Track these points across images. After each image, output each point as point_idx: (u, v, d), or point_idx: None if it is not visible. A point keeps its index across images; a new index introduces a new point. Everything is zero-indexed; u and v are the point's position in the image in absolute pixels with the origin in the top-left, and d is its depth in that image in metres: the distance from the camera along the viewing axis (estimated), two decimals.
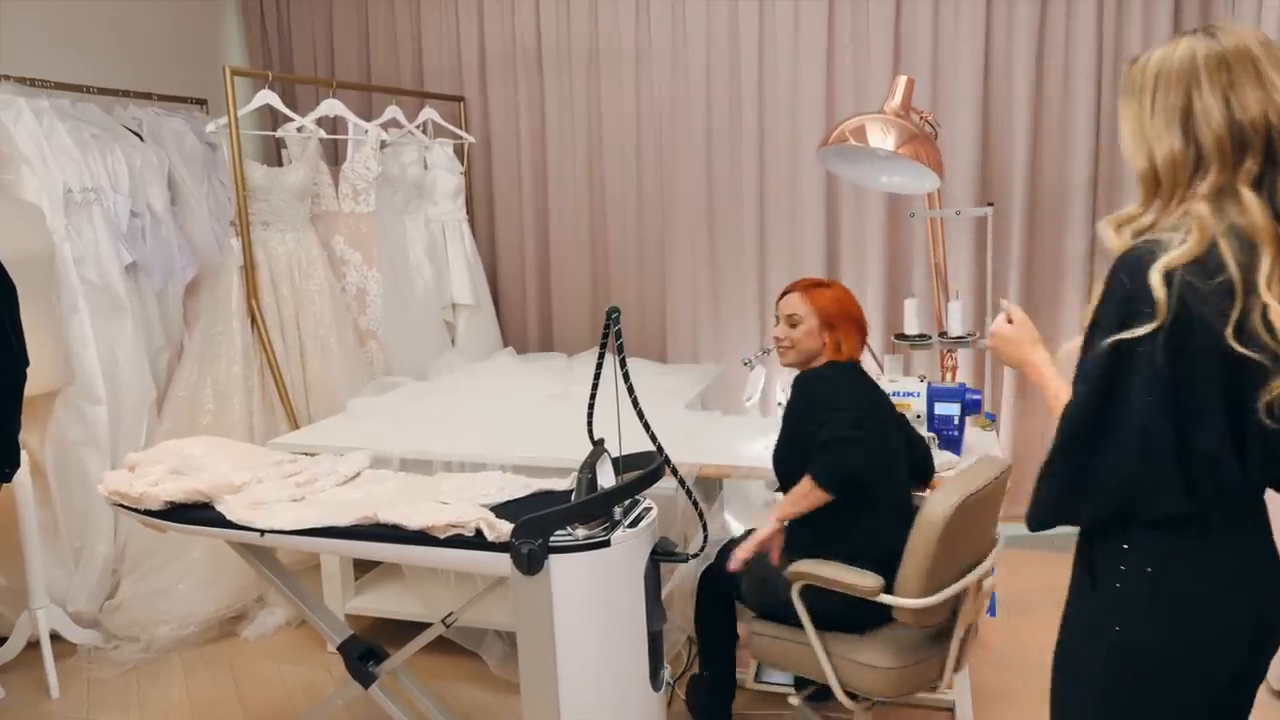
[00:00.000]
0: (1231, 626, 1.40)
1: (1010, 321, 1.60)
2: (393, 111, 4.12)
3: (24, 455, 2.73)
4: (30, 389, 2.58)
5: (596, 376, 2.10)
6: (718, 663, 2.60)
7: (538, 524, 1.95)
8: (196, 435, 2.88)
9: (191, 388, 3.40)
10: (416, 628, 2.70)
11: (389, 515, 2.08)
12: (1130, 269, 1.30)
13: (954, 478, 2.17)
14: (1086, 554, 1.48)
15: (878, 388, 2.48)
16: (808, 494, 2.24)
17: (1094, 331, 1.34)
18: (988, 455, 2.37)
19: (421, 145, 4.30)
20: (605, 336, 2.03)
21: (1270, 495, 1.44)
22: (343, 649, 2.44)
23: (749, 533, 2.41)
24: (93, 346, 3.23)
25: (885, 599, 2.09)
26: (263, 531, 2.10)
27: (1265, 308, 1.25)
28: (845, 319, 2.42)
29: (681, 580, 3.08)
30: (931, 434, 2.77)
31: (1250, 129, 1.29)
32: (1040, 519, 1.43)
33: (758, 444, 2.96)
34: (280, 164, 3.83)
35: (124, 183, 3.50)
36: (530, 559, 1.94)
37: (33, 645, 3.04)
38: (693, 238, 4.43)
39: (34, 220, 3.09)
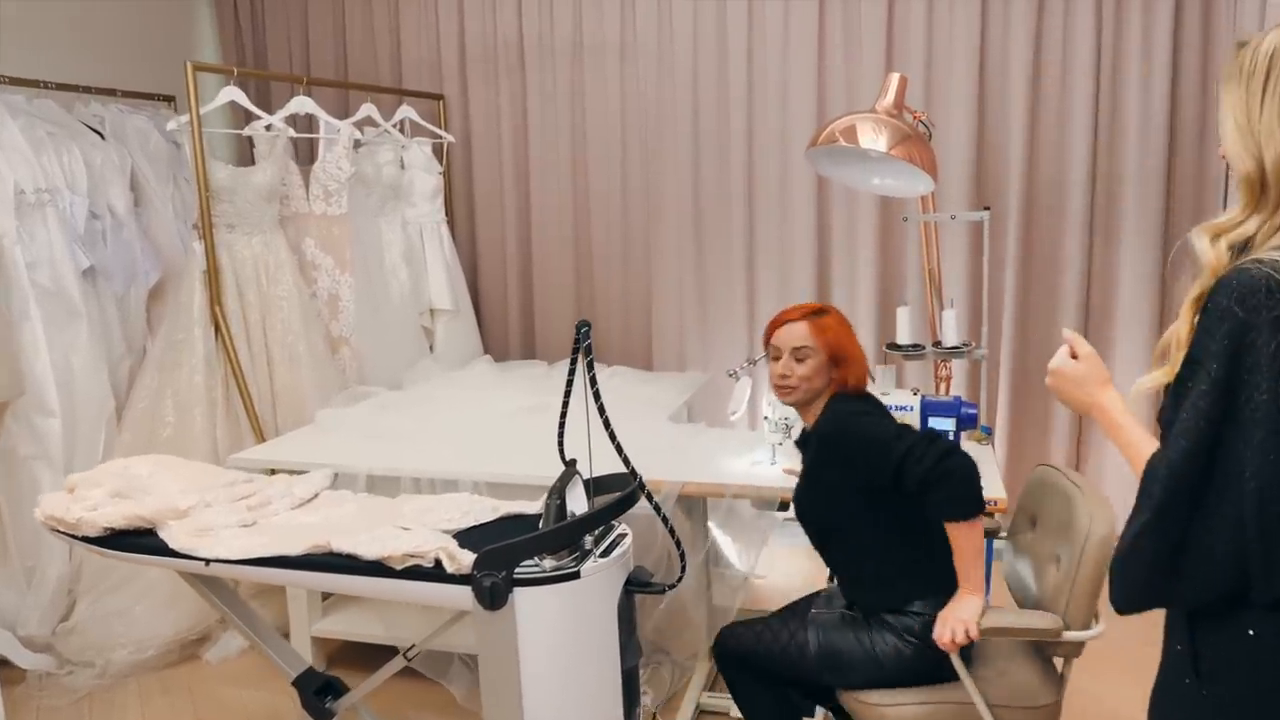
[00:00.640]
0: None
1: (1074, 357, 1.37)
2: (368, 109, 3.98)
3: None
4: None
5: (567, 394, 1.96)
6: None
7: (501, 555, 1.81)
8: (156, 449, 2.75)
9: (153, 396, 3.25)
10: (386, 651, 2.57)
11: (343, 543, 1.94)
12: (1242, 295, 1.09)
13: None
14: (1188, 641, 1.25)
15: None
16: (976, 533, 1.94)
17: (1193, 372, 1.13)
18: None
19: (398, 144, 4.16)
20: (575, 351, 1.89)
21: None
22: (298, 683, 2.30)
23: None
24: (45, 355, 3.08)
25: (1073, 636, 1.94)
26: (207, 561, 1.95)
27: None
28: (853, 349, 2.15)
29: (670, 602, 2.95)
30: None
31: None
32: (1131, 601, 1.22)
33: (744, 459, 2.82)
34: (252, 164, 3.68)
35: (81, 182, 3.35)
36: (493, 593, 1.80)
37: None
38: (679, 241, 4.29)
39: None
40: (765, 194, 4.15)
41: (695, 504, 2.88)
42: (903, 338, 3.10)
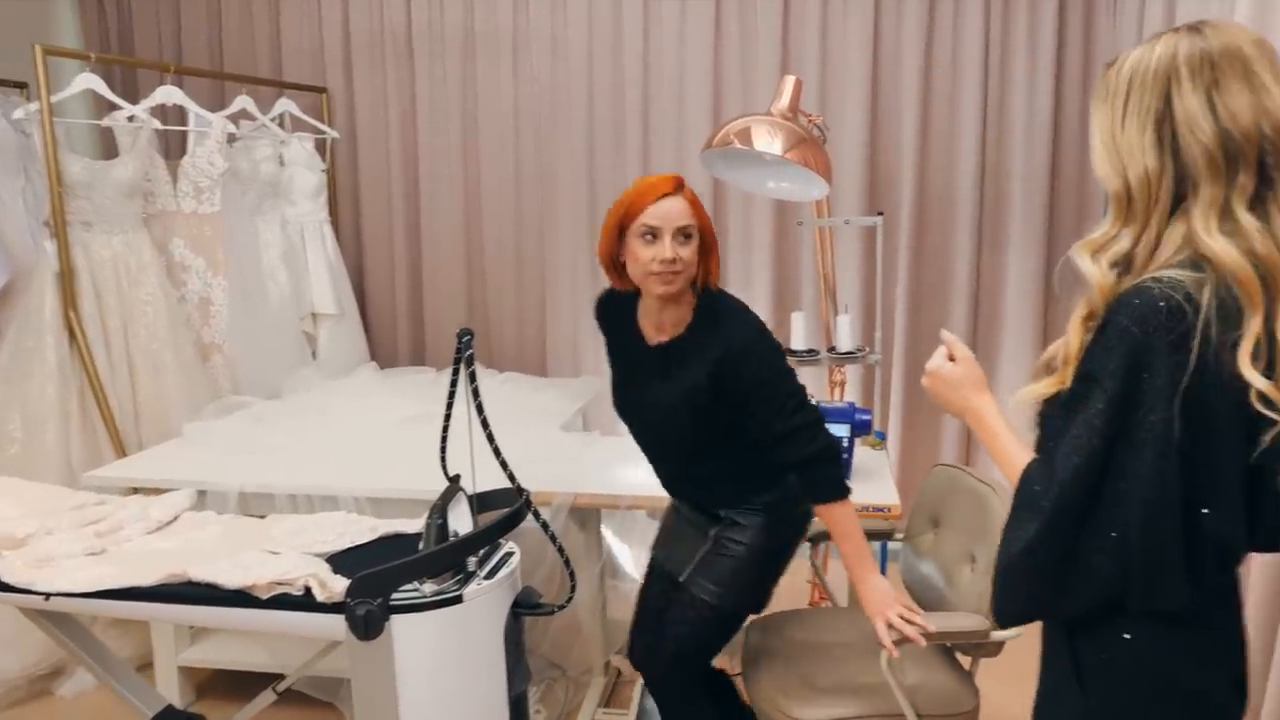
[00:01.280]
0: (1228, 713, 1.25)
1: (952, 359, 1.36)
2: (243, 101, 3.76)
3: None
4: None
5: (449, 408, 1.84)
6: None
7: (377, 580, 1.68)
8: (1, 469, 2.51)
9: None
10: (264, 679, 2.40)
11: (203, 572, 1.78)
12: (1142, 315, 1.09)
13: None
14: (1067, 650, 1.27)
15: None
16: (850, 508, 1.94)
17: (1089, 389, 1.13)
18: None
19: (277, 139, 3.94)
20: (457, 362, 1.77)
21: None
22: None
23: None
24: None
25: (1000, 635, 1.92)
26: (46, 595, 1.77)
27: None
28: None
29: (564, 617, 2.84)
30: None
31: (1242, 139, 1.10)
32: (1015, 613, 1.24)
33: (641, 468, 2.74)
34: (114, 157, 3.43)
35: None
36: (367, 622, 1.67)
37: None
38: (574, 241, 4.18)
39: None
40: None
41: (589, 515, 2.78)
42: (797, 343, 3.06)
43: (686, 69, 3.99)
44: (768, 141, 2.79)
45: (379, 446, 2.87)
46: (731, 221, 4.07)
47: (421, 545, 1.78)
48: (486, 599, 1.78)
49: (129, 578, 1.78)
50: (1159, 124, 1.14)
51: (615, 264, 1.97)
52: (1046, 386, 1.21)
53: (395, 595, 1.69)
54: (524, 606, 1.88)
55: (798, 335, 3.06)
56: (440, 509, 1.80)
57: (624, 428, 2.31)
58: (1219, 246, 1.09)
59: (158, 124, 3.36)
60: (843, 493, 1.94)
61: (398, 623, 1.69)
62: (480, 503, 1.93)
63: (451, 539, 1.78)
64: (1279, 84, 1.12)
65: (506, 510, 1.88)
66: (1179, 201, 1.15)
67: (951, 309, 3.95)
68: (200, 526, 2.08)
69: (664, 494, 2.62)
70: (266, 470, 2.70)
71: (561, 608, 1.92)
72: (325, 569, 1.78)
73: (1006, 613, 1.25)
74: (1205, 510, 1.12)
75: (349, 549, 1.96)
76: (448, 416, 1.85)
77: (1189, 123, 1.12)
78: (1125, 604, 1.16)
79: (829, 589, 3.04)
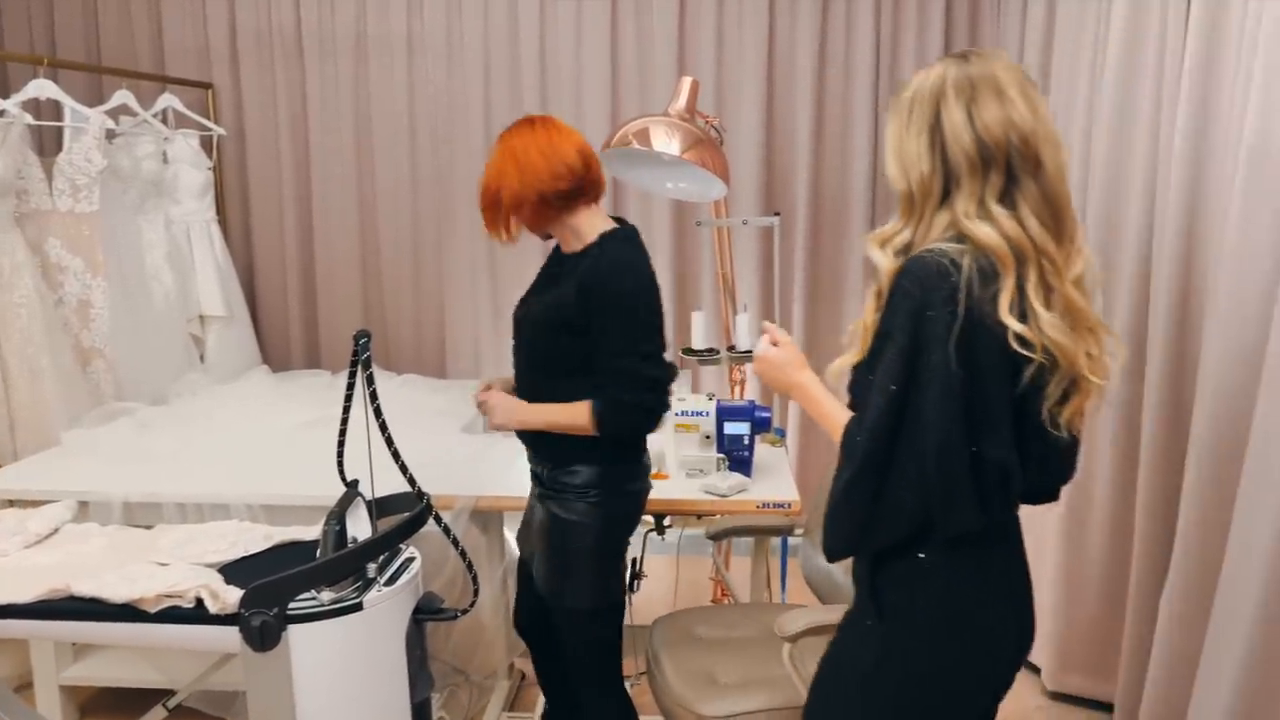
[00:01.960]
0: (1006, 643, 1.44)
1: (775, 344, 1.57)
2: (124, 96, 3.61)
3: None
4: None
5: (346, 410, 1.81)
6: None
7: (271, 590, 1.65)
8: None
9: None
10: (152, 695, 2.32)
11: (86, 586, 1.71)
12: (918, 279, 1.31)
13: None
14: (869, 581, 1.45)
15: None
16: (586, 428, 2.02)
17: (884, 344, 1.34)
18: None
19: (160, 136, 3.80)
20: (354, 364, 1.74)
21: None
22: None
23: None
24: None
25: None
26: None
27: (1039, 321, 1.30)
28: None
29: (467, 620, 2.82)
30: (721, 455, 2.63)
31: (994, 146, 1.32)
32: (839, 550, 1.41)
33: None
34: None
35: None
36: (263, 633, 1.64)
37: None
38: (472, 240, 4.14)
39: None
40: None
41: (492, 518, 2.76)
42: (698, 342, 3.10)
43: (583, 70, 4.00)
44: (665, 142, 2.82)
45: (273, 452, 2.79)
46: (631, 221, 4.08)
47: (319, 552, 1.75)
48: (387, 606, 1.76)
49: (6, 594, 1.70)
50: (932, 134, 1.36)
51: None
52: (853, 357, 1.44)
53: (292, 604, 1.66)
54: (426, 612, 1.86)
55: (698, 334, 3.10)
56: (338, 515, 1.77)
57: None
58: (976, 229, 1.32)
59: (30, 119, 3.20)
60: (608, 428, 1.98)
61: (295, 633, 1.66)
62: (379, 508, 1.90)
63: (350, 545, 1.76)
64: (1025, 101, 1.33)
65: (407, 515, 1.86)
66: (946, 196, 1.37)
67: (846, 306, 4.04)
68: (82, 539, 2.00)
69: None
70: (152, 479, 2.59)
71: (464, 612, 1.91)
72: (217, 579, 1.73)
73: (832, 549, 1.41)
74: (975, 449, 1.30)
75: (242, 558, 1.91)
76: (345, 420, 1.82)
77: (953, 133, 1.34)
78: (929, 534, 1.35)
79: (731, 585, 3.09)
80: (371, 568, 1.77)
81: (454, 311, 4.21)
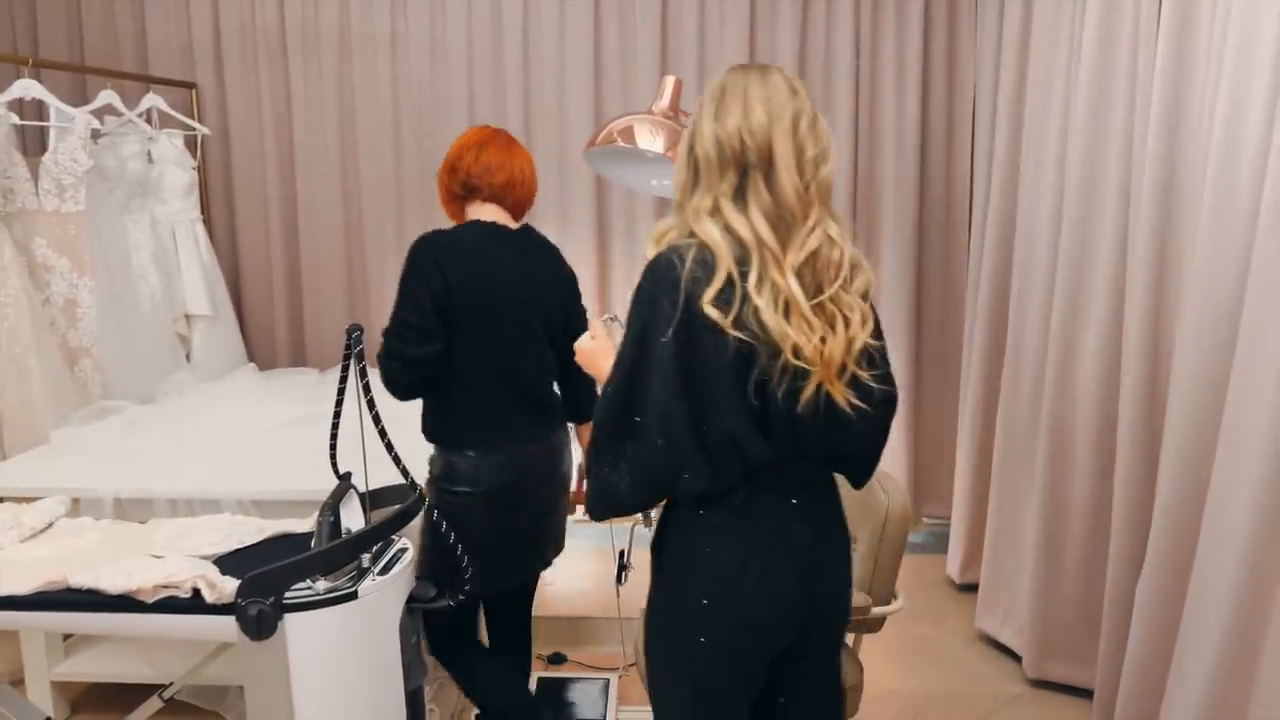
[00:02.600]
0: (764, 600, 1.50)
1: (593, 338, 1.69)
2: (108, 96, 3.62)
3: None
4: None
5: (338, 403, 1.84)
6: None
7: (268, 580, 1.68)
8: None
9: None
10: (144, 690, 2.33)
11: (83, 578, 1.73)
12: (651, 274, 1.45)
13: None
14: (658, 544, 1.61)
15: None
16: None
17: (625, 333, 1.48)
18: None
19: (145, 136, 3.81)
20: (347, 358, 1.77)
21: None
22: None
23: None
24: None
25: (881, 611, 2.11)
26: None
27: (756, 309, 1.40)
28: None
29: None
30: None
31: (728, 148, 1.45)
32: (598, 511, 1.52)
33: None
34: None
35: None
36: (260, 621, 1.66)
37: None
38: None
39: None
40: (544, 194, 4.10)
41: None
42: None
43: (566, 66, 4.03)
44: (650, 140, 2.86)
45: (263, 448, 2.81)
46: (615, 218, 4.14)
47: (314, 543, 1.78)
48: (381, 594, 1.79)
49: (4, 586, 1.72)
50: (690, 140, 1.51)
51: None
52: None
53: (288, 594, 1.69)
54: (419, 601, 1.90)
55: None
56: (332, 506, 1.80)
57: None
58: (699, 226, 1.45)
59: (15, 119, 3.21)
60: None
61: (291, 621, 1.69)
62: (372, 500, 1.94)
63: (344, 536, 1.79)
64: (765, 108, 1.44)
65: (399, 506, 1.89)
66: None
67: None
68: (77, 533, 2.02)
69: None
70: (143, 476, 2.61)
71: (457, 602, 1.94)
72: (213, 570, 1.76)
73: (594, 510, 1.53)
74: (702, 421, 1.42)
75: (236, 550, 1.94)
76: (337, 413, 1.85)
77: (700, 137, 1.48)
78: (677, 498, 1.51)
79: None
80: (366, 558, 1.80)
81: None
